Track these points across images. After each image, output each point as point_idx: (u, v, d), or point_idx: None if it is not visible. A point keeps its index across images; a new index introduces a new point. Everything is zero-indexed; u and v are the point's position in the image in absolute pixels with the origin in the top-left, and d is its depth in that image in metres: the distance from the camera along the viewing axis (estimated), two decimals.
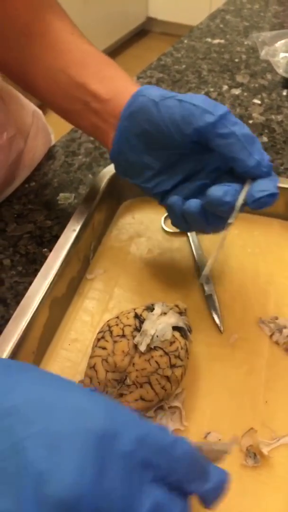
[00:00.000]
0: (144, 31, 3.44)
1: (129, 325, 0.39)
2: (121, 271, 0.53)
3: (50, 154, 0.71)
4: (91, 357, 0.39)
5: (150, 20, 3.39)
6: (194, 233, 0.55)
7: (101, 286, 0.51)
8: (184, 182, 0.45)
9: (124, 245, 0.55)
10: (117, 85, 0.45)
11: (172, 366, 0.38)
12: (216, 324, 0.47)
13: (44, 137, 0.70)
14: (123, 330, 0.39)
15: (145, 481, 0.24)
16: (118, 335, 0.39)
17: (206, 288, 0.50)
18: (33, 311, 0.43)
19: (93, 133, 0.49)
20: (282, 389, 0.42)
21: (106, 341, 0.39)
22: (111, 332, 0.39)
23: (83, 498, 0.22)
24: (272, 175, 0.40)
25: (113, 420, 0.25)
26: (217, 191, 0.39)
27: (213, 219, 0.42)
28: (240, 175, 0.41)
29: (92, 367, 0.38)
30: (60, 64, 0.47)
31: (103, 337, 0.39)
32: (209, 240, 0.56)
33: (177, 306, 0.42)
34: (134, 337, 0.38)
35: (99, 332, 0.40)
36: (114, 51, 3.15)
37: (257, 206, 0.39)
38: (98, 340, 0.40)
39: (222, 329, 0.47)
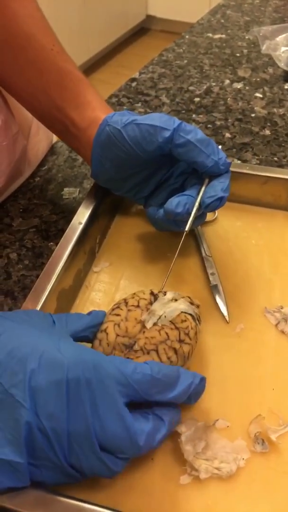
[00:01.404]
0: (144, 29, 3.44)
1: (145, 299, 0.40)
2: (127, 264, 0.53)
3: (54, 150, 0.71)
4: (104, 322, 0.40)
5: (149, 18, 3.39)
6: (200, 227, 0.56)
7: (107, 279, 0.52)
8: (158, 188, 0.52)
9: (130, 238, 0.56)
10: (91, 114, 0.50)
11: (181, 341, 0.39)
12: (222, 314, 0.48)
13: (46, 133, 0.71)
14: (138, 302, 0.40)
15: (113, 402, 0.32)
16: (133, 305, 0.40)
17: (211, 278, 0.50)
18: (40, 304, 0.43)
19: (76, 151, 0.55)
20: None
21: (121, 309, 0.40)
22: (126, 302, 0.40)
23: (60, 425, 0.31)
24: (223, 175, 0.46)
25: (77, 368, 0.32)
26: (170, 203, 0.45)
27: (180, 222, 0.46)
28: (202, 174, 0.47)
29: (103, 330, 0.39)
30: (40, 84, 0.51)
31: (118, 307, 0.40)
32: (214, 233, 0.56)
33: (189, 297, 0.43)
34: (148, 309, 0.39)
35: (114, 304, 0.41)
36: (114, 50, 3.15)
37: (210, 209, 0.45)
38: (113, 309, 0.41)
39: (228, 319, 0.47)
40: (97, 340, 0.39)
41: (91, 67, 2.92)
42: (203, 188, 0.46)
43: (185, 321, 0.39)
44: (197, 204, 0.45)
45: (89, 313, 0.41)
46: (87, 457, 0.32)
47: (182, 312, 0.40)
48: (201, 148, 0.44)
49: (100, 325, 0.40)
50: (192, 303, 0.42)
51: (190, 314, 0.41)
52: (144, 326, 0.39)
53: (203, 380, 0.37)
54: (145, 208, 0.53)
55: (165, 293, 0.41)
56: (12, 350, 0.32)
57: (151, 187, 0.52)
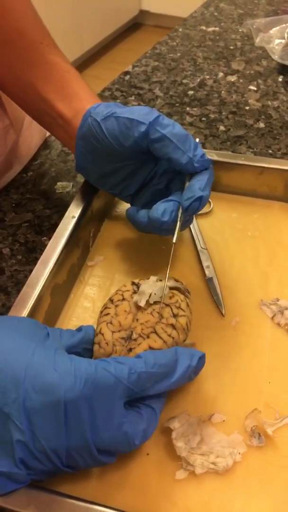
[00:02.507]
0: (137, 24, 3.42)
1: (128, 290, 0.40)
2: (121, 257, 0.53)
3: (46, 144, 0.71)
4: (97, 326, 0.40)
5: (143, 13, 3.37)
6: (194, 219, 0.55)
7: (102, 273, 0.51)
8: (144, 187, 0.50)
9: (124, 232, 0.55)
10: (78, 104, 0.48)
11: (175, 315, 0.39)
12: (218, 308, 0.47)
13: (39, 127, 0.70)
14: (122, 295, 0.40)
15: (118, 404, 0.32)
16: (118, 300, 0.40)
17: (206, 271, 0.50)
18: (34, 299, 0.42)
19: (64, 143, 0.53)
20: (285, 369, 0.42)
21: (108, 307, 0.40)
22: (111, 300, 0.40)
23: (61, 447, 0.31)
24: (202, 172, 0.43)
25: (74, 387, 0.31)
26: (156, 211, 0.43)
27: (166, 230, 0.44)
28: (179, 173, 0.44)
29: (98, 332, 0.39)
30: (28, 77, 0.50)
31: (105, 307, 0.40)
32: (209, 225, 0.55)
33: (172, 277, 0.43)
34: (133, 298, 0.39)
35: (102, 307, 0.41)
36: (108, 45, 3.13)
37: (191, 212, 0.43)
38: (101, 311, 0.40)
39: (224, 312, 0.47)
40: (96, 344, 0.39)
41: (85, 62, 2.90)
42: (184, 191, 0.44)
43: (173, 296, 0.40)
44: (181, 210, 0.43)
45: (79, 329, 0.40)
46: (85, 461, 0.32)
47: (169, 288, 0.40)
48: (176, 144, 0.42)
49: (92, 342, 0.39)
50: (176, 280, 0.42)
51: (178, 288, 0.41)
52: (135, 315, 0.39)
53: (202, 358, 0.36)
54: (132, 205, 0.51)
55: (147, 278, 0.42)
56: (5, 366, 0.31)
57: (136, 186, 0.50)
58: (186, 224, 0.46)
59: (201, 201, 0.42)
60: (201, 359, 0.36)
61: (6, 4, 0.49)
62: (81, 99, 0.49)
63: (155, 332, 0.38)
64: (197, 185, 0.43)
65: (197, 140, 0.44)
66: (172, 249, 0.42)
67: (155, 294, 0.39)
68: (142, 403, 0.34)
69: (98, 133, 0.45)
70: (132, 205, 0.51)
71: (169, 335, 0.38)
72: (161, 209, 0.43)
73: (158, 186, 0.49)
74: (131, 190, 0.50)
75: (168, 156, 0.43)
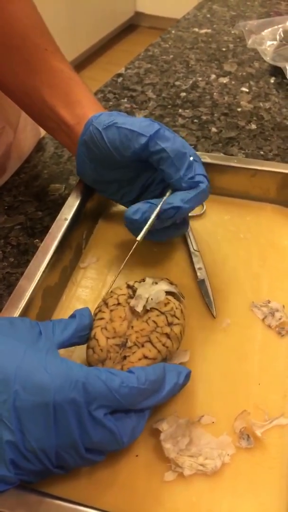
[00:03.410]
0: (132, 25, 3.43)
1: (123, 294, 0.40)
2: (114, 259, 0.53)
3: (39, 146, 0.71)
4: (91, 330, 0.40)
5: (138, 15, 3.37)
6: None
7: (94, 275, 0.51)
8: (143, 194, 0.51)
9: (117, 233, 0.55)
10: (80, 111, 0.49)
11: (170, 324, 0.39)
12: (209, 309, 0.47)
13: (33, 129, 0.70)
14: (117, 299, 0.40)
15: (99, 417, 0.32)
16: (113, 304, 0.40)
17: (198, 273, 0.50)
18: (25, 300, 0.43)
19: (68, 149, 0.54)
20: (274, 371, 0.43)
21: (103, 312, 0.40)
22: (106, 303, 0.40)
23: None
24: (193, 187, 0.44)
25: (64, 389, 0.31)
26: (130, 209, 0.45)
27: (136, 230, 0.45)
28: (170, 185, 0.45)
29: (93, 337, 0.39)
30: (33, 83, 0.50)
31: (100, 310, 0.40)
32: (202, 227, 0.56)
33: (167, 279, 0.43)
34: (129, 303, 0.39)
35: (96, 308, 0.41)
36: (103, 46, 3.13)
37: (165, 217, 0.44)
38: (95, 314, 0.40)
39: (215, 314, 0.47)
40: (90, 349, 0.39)
41: (80, 64, 2.90)
42: (164, 197, 0.45)
43: (168, 303, 0.40)
44: (155, 212, 0.44)
45: (73, 315, 0.40)
46: (74, 460, 0.32)
47: (165, 292, 0.40)
48: (173, 160, 0.43)
49: (88, 327, 0.39)
50: (171, 283, 0.43)
51: (173, 293, 0.41)
52: (130, 322, 0.38)
53: (188, 375, 0.37)
54: None
55: (143, 280, 0.42)
56: None
57: (136, 193, 0.51)
58: (159, 226, 0.46)
59: (177, 211, 0.44)
60: (187, 376, 0.37)
61: (12, 11, 0.49)
62: (84, 106, 0.50)
63: (150, 341, 0.38)
64: (181, 196, 0.44)
65: (191, 158, 0.44)
66: (134, 247, 0.43)
67: (151, 299, 0.39)
68: None
69: (99, 142, 0.46)
70: None
71: (163, 345, 0.38)
72: (135, 208, 0.45)
73: (155, 193, 0.50)
74: (131, 196, 0.51)
75: (162, 168, 0.44)
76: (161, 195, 0.49)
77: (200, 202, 0.45)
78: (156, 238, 0.49)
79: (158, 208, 0.44)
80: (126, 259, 0.42)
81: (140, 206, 0.45)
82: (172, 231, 0.48)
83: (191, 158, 0.44)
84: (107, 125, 0.45)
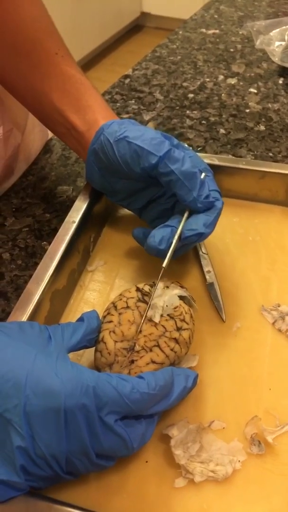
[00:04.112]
0: (138, 26, 3.43)
1: (132, 297, 0.40)
2: (121, 262, 0.52)
3: (47, 148, 0.70)
4: (99, 332, 0.39)
5: (144, 15, 3.37)
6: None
7: (102, 278, 0.51)
8: (152, 203, 0.50)
9: (125, 236, 0.55)
10: (91, 118, 0.49)
11: (179, 328, 0.39)
12: (218, 313, 0.47)
13: (41, 131, 0.70)
14: (126, 302, 0.40)
15: (110, 423, 0.31)
16: (122, 307, 0.39)
17: (207, 277, 0.50)
18: (33, 304, 0.42)
19: (78, 154, 0.54)
20: (285, 375, 0.42)
21: (112, 314, 0.39)
22: (115, 306, 0.40)
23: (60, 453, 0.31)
24: (211, 209, 0.44)
25: (75, 395, 0.31)
26: (153, 239, 0.43)
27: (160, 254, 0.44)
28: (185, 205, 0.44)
29: (101, 340, 0.38)
30: (43, 87, 0.50)
31: (108, 313, 0.40)
32: None
33: (177, 282, 0.43)
34: (138, 307, 0.39)
35: (105, 311, 0.41)
36: (109, 47, 3.13)
37: (188, 243, 0.44)
38: (104, 317, 0.40)
39: (224, 318, 0.46)
40: (98, 352, 0.39)
41: (86, 65, 2.90)
42: (183, 220, 0.44)
43: (177, 307, 0.39)
44: (176, 237, 0.43)
45: (81, 318, 0.39)
46: (85, 466, 0.32)
47: (177, 297, 0.40)
48: (183, 181, 0.43)
49: (96, 330, 0.39)
50: (182, 287, 0.42)
51: (185, 298, 0.41)
52: (139, 326, 0.38)
53: (195, 379, 0.37)
54: (140, 218, 0.52)
55: (153, 283, 0.41)
56: (7, 373, 0.31)
57: (143, 202, 0.51)
58: (181, 250, 0.46)
59: (200, 237, 0.43)
60: (195, 380, 0.37)
61: (22, 14, 0.49)
62: (95, 112, 0.49)
63: (158, 346, 0.38)
64: (203, 220, 0.43)
65: (203, 175, 0.44)
66: (161, 274, 0.41)
67: (167, 306, 0.39)
68: None
69: (109, 154, 0.46)
70: (140, 217, 0.52)
71: (172, 350, 0.38)
72: (159, 236, 0.43)
73: (165, 206, 0.49)
74: (139, 205, 0.51)
75: (174, 191, 0.44)
76: (173, 208, 0.49)
77: (217, 221, 0.45)
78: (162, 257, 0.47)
79: (179, 232, 0.43)
80: (156, 285, 0.41)
81: (163, 233, 0.43)
82: (185, 249, 0.47)
83: (203, 175, 0.44)
84: (118, 137, 0.45)
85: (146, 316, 0.38)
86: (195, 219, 0.43)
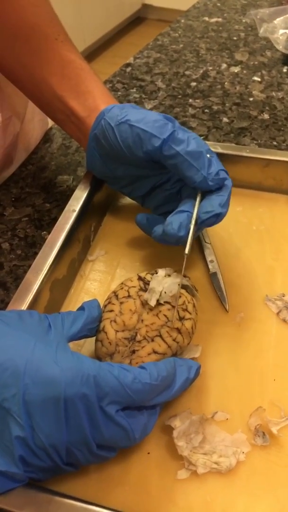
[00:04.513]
0: (140, 18, 3.40)
1: (134, 287, 0.39)
2: (123, 252, 0.51)
3: (47, 137, 0.69)
4: (100, 321, 0.38)
5: (146, 7, 3.34)
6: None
7: (103, 267, 0.50)
8: (155, 190, 0.49)
9: (126, 225, 0.54)
10: (92, 103, 0.48)
11: (181, 318, 0.38)
12: (221, 303, 0.46)
13: (41, 120, 0.69)
14: (128, 291, 0.39)
15: (111, 413, 0.31)
16: (124, 296, 0.38)
17: (210, 266, 0.49)
18: (33, 294, 0.41)
19: (77, 141, 0.53)
20: None
21: (113, 304, 0.38)
22: (116, 295, 0.39)
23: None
24: (223, 188, 0.42)
25: (75, 384, 0.30)
26: (171, 226, 0.41)
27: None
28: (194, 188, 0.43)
29: (101, 330, 0.38)
30: (42, 73, 0.49)
31: (109, 302, 0.39)
32: None
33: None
34: (139, 296, 0.38)
35: (106, 300, 0.40)
36: (111, 39, 3.11)
37: (206, 226, 0.42)
38: (105, 306, 0.39)
39: (227, 308, 0.46)
40: (98, 341, 0.38)
41: (87, 57, 2.88)
42: (197, 203, 0.42)
43: (180, 297, 0.38)
44: (193, 221, 0.41)
45: (82, 307, 0.39)
46: (85, 456, 0.31)
47: (178, 285, 0.39)
48: (190, 162, 0.41)
49: (97, 319, 0.38)
50: (184, 276, 0.41)
51: (186, 286, 0.40)
52: (140, 315, 0.37)
53: (198, 369, 0.36)
54: (143, 207, 0.51)
55: (155, 272, 0.40)
56: (5, 362, 0.30)
57: (146, 189, 0.49)
58: (196, 233, 0.44)
59: (218, 217, 0.41)
60: (197, 371, 0.36)
61: (22, 0, 0.48)
62: (95, 98, 0.48)
63: (160, 336, 0.37)
64: (217, 200, 0.41)
65: (209, 156, 0.42)
66: (185, 261, 0.40)
67: (165, 292, 0.38)
68: None
69: (111, 138, 0.44)
70: (143, 205, 0.51)
71: (174, 340, 0.37)
72: (177, 223, 0.41)
73: (171, 191, 0.48)
74: (142, 192, 0.50)
75: (181, 173, 0.42)
76: (178, 192, 0.47)
77: (229, 199, 0.43)
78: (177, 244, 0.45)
79: (195, 216, 0.41)
80: (182, 272, 0.39)
81: (180, 219, 0.41)
82: (197, 233, 0.46)
83: (208, 156, 0.42)
84: (119, 121, 0.43)
85: (140, 298, 0.38)
86: (209, 201, 0.42)
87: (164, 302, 0.38)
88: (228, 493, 0.34)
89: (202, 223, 0.41)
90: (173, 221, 0.41)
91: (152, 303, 0.37)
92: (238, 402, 0.39)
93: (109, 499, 0.34)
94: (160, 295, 0.38)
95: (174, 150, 0.41)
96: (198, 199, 0.43)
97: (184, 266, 0.39)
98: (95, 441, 0.31)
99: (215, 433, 0.36)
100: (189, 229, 0.41)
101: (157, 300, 0.37)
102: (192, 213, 0.42)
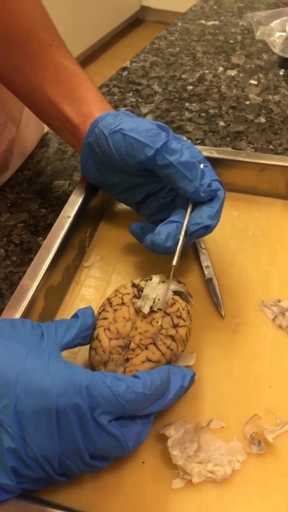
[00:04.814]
0: (138, 20, 3.40)
1: (128, 294, 0.39)
2: (118, 258, 0.51)
3: (43, 142, 0.69)
4: (94, 329, 0.38)
5: (144, 9, 3.35)
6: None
7: (98, 274, 0.50)
8: (150, 197, 0.49)
9: (121, 231, 0.53)
10: (86, 110, 0.48)
11: (175, 325, 0.37)
12: (217, 309, 0.46)
13: (37, 125, 0.69)
14: (122, 298, 0.38)
15: (103, 423, 0.30)
16: (117, 304, 0.38)
17: (206, 272, 0.48)
18: (27, 301, 0.41)
19: (72, 147, 0.53)
20: (286, 373, 0.41)
21: (107, 311, 0.38)
22: (110, 303, 0.39)
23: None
24: (214, 199, 0.42)
25: (67, 394, 0.30)
26: (159, 236, 0.41)
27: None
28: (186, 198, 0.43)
29: (95, 337, 0.37)
30: (37, 79, 0.49)
31: (103, 309, 0.39)
32: None
33: (175, 277, 0.41)
34: (133, 303, 0.38)
35: (100, 307, 0.40)
36: (109, 41, 3.11)
37: (195, 237, 0.42)
38: (99, 313, 0.39)
39: (223, 313, 0.45)
40: (92, 350, 0.38)
41: (86, 59, 2.88)
42: (187, 214, 0.42)
43: (174, 303, 0.38)
44: (183, 232, 0.41)
45: (76, 314, 0.38)
46: (78, 467, 0.31)
47: (173, 292, 0.39)
48: (183, 172, 0.41)
49: (91, 327, 0.38)
50: (179, 282, 0.41)
51: (181, 293, 0.40)
52: (134, 323, 0.37)
53: (192, 377, 0.36)
54: (138, 213, 0.51)
55: (149, 278, 0.40)
56: None
57: (140, 195, 0.49)
58: (186, 244, 0.44)
59: (207, 230, 0.41)
60: (192, 379, 0.36)
61: (15, 5, 0.48)
62: (89, 104, 0.48)
63: (154, 344, 0.36)
64: (207, 212, 0.41)
65: (202, 166, 0.42)
66: (172, 272, 0.40)
67: (158, 299, 0.38)
68: None
69: (104, 147, 0.44)
70: (138, 211, 0.51)
71: (168, 347, 0.37)
72: (164, 234, 0.41)
73: (165, 200, 0.48)
74: (136, 199, 0.49)
75: (174, 184, 0.42)
76: (172, 201, 0.47)
77: (221, 210, 0.43)
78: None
79: (184, 227, 0.41)
80: (169, 282, 0.39)
81: (168, 230, 0.41)
82: (188, 243, 0.45)
83: (202, 166, 0.42)
84: (113, 130, 0.43)
85: (134, 305, 0.37)
86: (199, 212, 0.42)
87: (158, 309, 0.37)
88: (223, 502, 0.34)
89: (192, 235, 0.41)
90: (161, 231, 0.41)
91: (146, 310, 0.37)
92: (233, 409, 0.39)
93: (103, 509, 0.34)
94: (154, 302, 0.37)
95: (168, 160, 0.41)
96: (189, 210, 0.43)
97: (171, 277, 0.39)
98: (88, 451, 0.31)
99: (210, 442, 0.36)
100: (178, 239, 0.41)
101: (151, 307, 0.37)
102: (182, 224, 0.42)
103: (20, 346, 0.32)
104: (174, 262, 0.40)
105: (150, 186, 0.48)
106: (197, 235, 0.42)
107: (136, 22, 3.38)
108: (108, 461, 0.33)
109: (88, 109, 0.48)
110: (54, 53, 0.49)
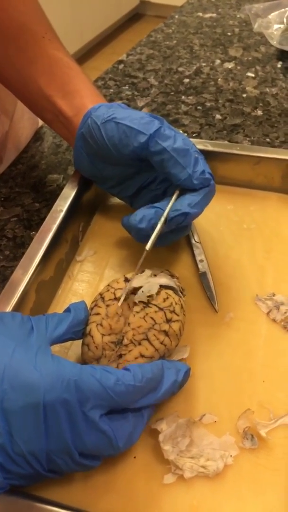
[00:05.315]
0: (138, 15, 3.38)
1: (120, 288, 0.38)
2: (112, 252, 0.51)
3: (37, 136, 0.69)
4: (86, 325, 0.38)
5: (143, 4, 3.33)
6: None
7: (91, 268, 0.49)
8: (143, 190, 0.48)
9: (115, 225, 0.53)
10: (79, 102, 0.47)
11: (169, 320, 0.37)
12: (211, 303, 0.45)
13: (31, 119, 0.68)
14: (114, 293, 0.38)
15: (94, 418, 0.30)
16: (110, 299, 0.38)
17: (200, 266, 0.48)
18: (18, 295, 0.41)
19: (66, 140, 0.52)
20: (280, 367, 0.40)
21: (99, 307, 0.38)
22: (103, 298, 0.38)
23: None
24: (205, 187, 0.41)
25: (55, 389, 0.29)
26: (134, 217, 0.41)
27: (144, 238, 0.41)
28: (175, 186, 0.42)
29: (88, 333, 0.37)
30: (30, 72, 0.49)
31: (96, 305, 0.38)
32: (204, 218, 0.53)
33: (167, 270, 0.41)
34: (126, 298, 0.38)
35: (92, 302, 0.39)
36: (109, 36, 3.10)
37: (174, 224, 0.41)
38: (92, 309, 0.39)
39: (217, 308, 0.45)
40: (85, 345, 0.37)
41: (85, 54, 2.87)
42: (172, 201, 0.41)
43: (167, 298, 0.38)
44: (162, 218, 0.40)
45: (68, 309, 0.38)
46: (67, 465, 0.31)
47: (162, 287, 0.38)
48: (176, 159, 0.40)
49: (83, 322, 0.37)
50: (172, 276, 0.40)
51: (172, 288, 0.39)
52: (127, 318, 0.37)
53: (187, 372, 0.36)
54: (132, 207, 0.50)
55: (143, 271, 0.39)
56: None
57: (133, 189, 0.48)
58: (171, 237, 0.44)
59: (186, 217, 0.41)
60: (187, 373, 0.36)
61: None
62: (82, 97, 0.47)
63: (147, 339, 0.36)
64: (187, 200, 0.41)
65: (197, 155, 0.42)
66: (143, 256, 0.39)
67: (142, 292, 0.37)
68: (131, 409, 0.33)
69: (97, 137, 0.44)
70: (131, 205, 0.50)
71: (161, 343, 0.36)
72: (140, 215, 0.41)
73: (156, 192, 0.47)
74: (129, 192, 0.49)
75: (167, 170, 0.41)
76: (164, 194, 0.47)
77: (208, 203, 0.42)
78: (159, 244, 0.44)
79: (165, 214, 0.40)
80: (137, 268, 0.39)
81: (145, 213, 0.41)
82: (175, 235, 0.45)
83: (195, 155, 0.42)
84: (106, 119, 0.43)
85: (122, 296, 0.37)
86: (181, 200, 0.41)
87: (150, 304, 0.37)
88: (215, 497, 0.34)
89: (170, 221, 0.41)
90: (138, 213, 0.41)
91: (121, 299, 0.37)
92: (226, 404, 0.38)
93: (94, 505, 0.33)
94: (137, 293, 0.37)
95: (161, 146, 0.40)
96: (174, 197, 0.42)
97: (141, 261, 0.39)
98: (77, 449, 0.30)
99: (202, 436, 0.36)
100: (153, 223, 0.40)
101: (131, 298, 0.37)
102: (163, 210, 0.41)
103: (8, 340, 0.31)
104: (147, 247, 0.39)
105: (143, 177, 0.47)
106: (176, 222, 0.41)
107: (135, 16, 3.36)
108: (99, 460, 0.32)
109: (81, 102, 0.47)
110: (47, 46, 0.49)
